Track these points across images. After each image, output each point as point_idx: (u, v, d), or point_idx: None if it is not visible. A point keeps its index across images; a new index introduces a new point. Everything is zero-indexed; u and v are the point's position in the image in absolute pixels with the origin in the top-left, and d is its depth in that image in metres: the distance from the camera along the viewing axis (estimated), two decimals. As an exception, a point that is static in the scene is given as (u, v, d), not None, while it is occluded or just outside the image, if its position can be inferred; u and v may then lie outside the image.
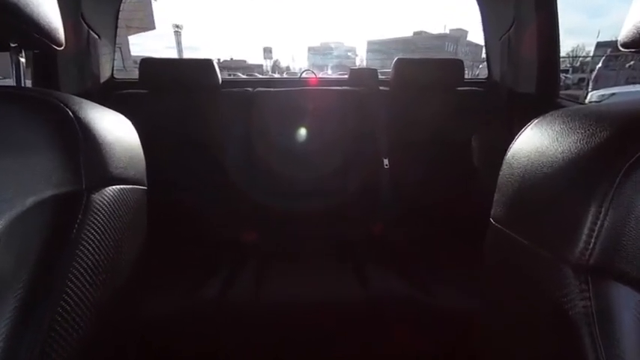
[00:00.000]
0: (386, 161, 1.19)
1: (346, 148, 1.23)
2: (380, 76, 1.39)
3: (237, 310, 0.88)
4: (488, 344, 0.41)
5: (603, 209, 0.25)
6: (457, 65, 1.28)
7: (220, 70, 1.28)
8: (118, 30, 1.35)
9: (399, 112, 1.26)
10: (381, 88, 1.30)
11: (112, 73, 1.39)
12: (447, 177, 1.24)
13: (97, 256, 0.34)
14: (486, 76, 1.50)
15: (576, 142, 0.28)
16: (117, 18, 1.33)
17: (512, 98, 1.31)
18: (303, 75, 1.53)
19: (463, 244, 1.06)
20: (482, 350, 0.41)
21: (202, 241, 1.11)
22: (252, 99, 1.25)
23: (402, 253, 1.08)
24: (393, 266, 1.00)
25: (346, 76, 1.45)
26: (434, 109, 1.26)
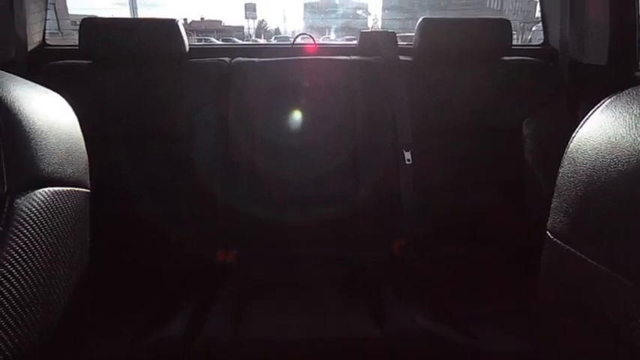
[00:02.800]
0: (408, 155, 1.19)
1: (356, 138, 1.22)
2: (400, 42, 1.39)
3: (209, 356, 0.88)
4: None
5: None
6: (503, 27, 1.28)
7: (188, 33, 1.27)
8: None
9: (425, 90, 1.26)
10: (401, 57, 1.30)
11: (44, 38, 1.39)
12: (489, 177, 1.24)
13: (22, 283, 0.34)
14: (542, 41, 1.51)
15: None
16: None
17: (576, 71, 1.31)
18: (298, 40, 1.52)
19: (511, 268, 1.06)
20: None
21: (163, 264, 1.11)
22: (230, 72, 1.24)
23: (430, 280, 1.08)
24: (418, 298, 1.00)
25: (355, 42, 1.45)
26: (471, 86, 1.26)
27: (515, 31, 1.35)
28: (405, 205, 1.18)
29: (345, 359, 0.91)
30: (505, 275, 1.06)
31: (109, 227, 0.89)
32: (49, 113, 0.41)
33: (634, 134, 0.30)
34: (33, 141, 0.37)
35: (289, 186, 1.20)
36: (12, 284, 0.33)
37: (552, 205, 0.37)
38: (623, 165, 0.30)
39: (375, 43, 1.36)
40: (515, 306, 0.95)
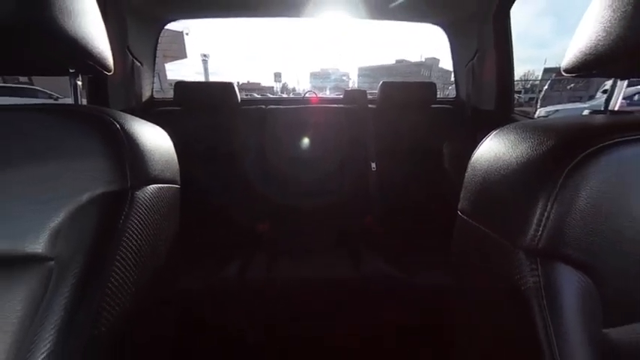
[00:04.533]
0: (374, 165, 1.19)
1: (342, 154, 1.22)
2: (369, 96, 1.39)
3: (253, 287, 0.88)
4: (458, 317, 0.40)
5: (549, 204, 0.25)
6: (431, 87, 1.27)
7: (239, 91, 1.27)
8: (157, 59, 1.35)
9: (384, 126, 1.25)
10: (369, 106, 1.30)
11: (152, 94, 1.39)
12: (423, 179, 1.23)
13: (139, 242, 0.34)
14: (455, 96, 1.50)
15: (527, 150, 0.28)
16: (155, 49, 1.33)
17: (475, 114, 1.30)
18: (307, 95, 1.52)
19: (438, 234, 1.06)
20: (452, 322, 0.41)
21: (226, 232, 1.11)
22: (266, 115, 1.24)
23: (389, 241, 1.08)
24: (381, 252, 1.00)
25: (342, 96, 1.44)
26: (412, 123, 1.26)
27: (439, 89, 1.34)
28: (372, 194, 1.17)
29: (334, 291, 0.91)
30: (435, 238, 1.05)
31: (194, 208, 0.90)
32: (154, 139, 0.41)
33: (510, 153, 0.30)
34: (145, 155, 0.36)
35: (301, 184, 1.20)
36: (133, 244, 0.33)
37: (461, 195, 0.37)
38: (504, 171, 0.30)
39: (353, 97, 1.36)
40: (441, 257, 0.95)
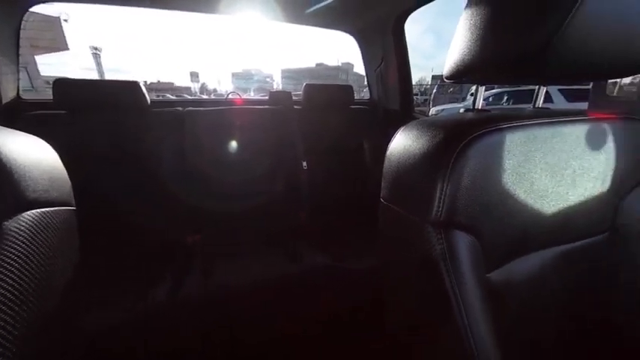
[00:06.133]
0: (304, 164, 1.21)
1: (271, 155, 1.20)
2: (294, 98, 1.41)
3: (189, 305, 0.79)
4: (386, 291, 0.44)
5: (444, 184, 0.30)
6: (349, 90, 1.38)
7: (148, 91, 1.10)
8: (23, 49, 1.03)
9: (310, 126, 1.29)
10: (295, 107, 1.32)
11: (18, 94, 1.06)
12: (349, 173, 1.33)
13: (21, 284, 0.26)
14: (369, 98, 1.67)
15: (426, 142, 0.33)
16: (18, 36, 1.02)
17: (386, 113, 1.48)
18: (230, 96, 1.43)
19: (364, 220, 1.16)
20: (383, 298, 0.44)
21: (147, 250, 0.95)
22: (184, 118, 1.11)
23: (323, 233, 1.12)
24: (316, 245, 1.03)
25: (267, 98, 1.42)
26: (335, 123, 1.34)
27: (355, 92, 1.46)
28: (303, 192, 1.20)
29: (276, 288, 0.90)
30: (362, 225, 1.15)
31: (102, 228, 0.74)
32: (29, 151, 0.31)
33: (414, 145, 0.35)
34: (15, 174, 0.28)
35: (231, 187, 1.13)
36: (9, 286, 0.25)
37: (382, 184, 0.41)
38: (411, 160, 0.35)
39: (278, 98, 1.35)
40: (368, 241, 1.05)
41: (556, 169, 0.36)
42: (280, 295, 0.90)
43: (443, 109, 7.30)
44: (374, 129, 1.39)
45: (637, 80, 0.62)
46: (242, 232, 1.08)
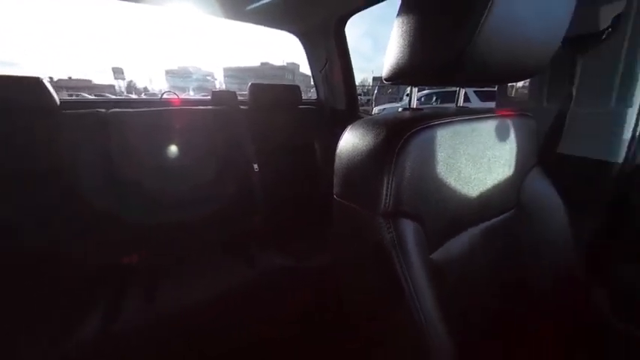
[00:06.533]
0: (256, 166, 1.18)
1: (219, 158, 1.13)
2: (240, 98, 1.35)
3: (131, 334, 0.69)
4: (344, 285, 0.46)
5: (390, 178, 0.33)
6: (296, 90, 1.38)
7: (57, 89, 0.92)
8: None
9: (259, 126, 1.26)
10: (241, 107, 1.26)
11: None
12: (301, 173, 1.34)
13: None
14: (316, 98, 1.70)
15: (371, 140, 0.36)
16: None
17: (333, 113, 1.53)
18: (165, 96, 1.28)
19: (319, 218, 1.18)
20: (341, 293, 0.46)
21: (71, 278, 0.79)
22: (107, 119, 0.96)
23: (278, 235, 1.11)
24: (273, 246, 1.01)
25: (209, 97, 1.32)
26: (284, 123, 1.33)
27: (303, 92, 1.48)
28: (256, 194, 1.16)
29: (235, 297, 0.85)
30: (317, 223, 1.17)
31: (7, 263, 0.59)
32: None
33: (362, 142, 0.37)
34: None
35: (174, 195, 1.03)
36: None
37: (334, 182, 0.42)
38: (359, 157, 0.37)
39: (222, 98, 1.28)
40: (325, 238, 1.07)
41: (476, 158, 0.42)
42: (242, 302, 0.85)
43: (384, 109, 7.90)
44: (323, 128, 1.42)
45: (526, 84, 0.76)
46: (191, 243, 0.99)
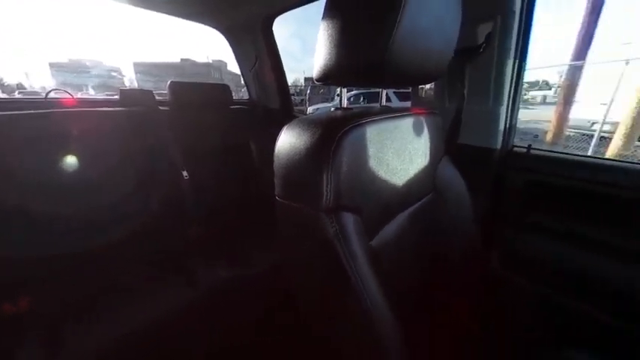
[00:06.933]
0: (185, 172, 1.06)
1: (138, 167, 0.98)
2: (157, 97, 1.19)
3: None
4: (296, 285, 0.46)
5: (329, 174, 0.34)
6: (225, 89, 1.30)
7: None
8: None
9: (185, 128, 1.14)
10: (161, 107, 1.11)
11: None
12: (238, 175, 1.27)
13: None
14: (248, 97, 1.63)
15: (308, 138, 0.37)
16: None
17: (267, 113, 1.50)
18: (53, 95, 1.02)
19: (262, 222, 1.15)
20: (293, 290, 0.46)
21: None
22: None
23: (219, 244, 1.03)
24: (214, 258, 0.94)
25: (117, 97, 1.12)
26: (214, 124, 1.24)
27: (233, 91, 1.40)
28: (189, 203, 1.05)
29: (178, 322, 0.75)
30: (258, 226, 1.13)
31: None
32: None
33: (299, 141, 0.38)
34: None
35: (85, 217, 0.84)
36: None
37: (275, 182, 0.42)
38: (299, 156, 0.37)
39: (135, 97, 1.09)
40: (269, 241, 1.05)
41: (400, 151, 0.48)
42: (190, 324, 0.76)
43: (318, 108, 8.18)
44: (257, 128, 1.38)
45: (432, 86, 0.90)
46: (111, 268, 0.83)
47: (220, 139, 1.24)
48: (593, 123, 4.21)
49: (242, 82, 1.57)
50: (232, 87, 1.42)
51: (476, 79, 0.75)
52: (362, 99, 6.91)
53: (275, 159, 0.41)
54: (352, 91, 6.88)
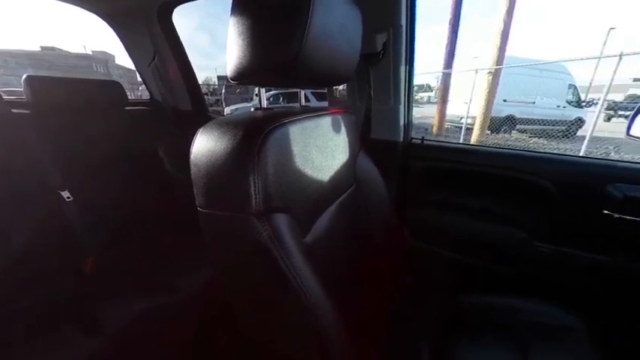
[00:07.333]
0: (66, 193, 0.83)
1: None
2: (7, 97, 0.88)
3: None
4: (233, 298, 0.43)
5: (255, 176, 0.33)
6: (117, 86, 1.08)
7: None
8: None
9: (59, 137, 0.89)
10: (15, 111, 0.83)
11: None
12: (146, 188, 1.08)
13: None
14: (150, 97, 1.40)
15: (230, 141, 0.34)
16: None
17: (177, 115, 1.33)
18: None
19: (182, 235, 1.02)
20: (232, 301, 0.43)
21: None
22: None
23: (125, 273, 0.86)
24: (119, 292, 0.77)
25: None
26: (105, 129, 1.01)
27: (127, 90, 1.18)
28: (77, 230, 0.83)
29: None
30: (179, 240, 1.00)
31: None
32: None
33: (219, 145, 0.35)
34: None
35: None
36: None
37: (195, 192, 0.38)
38: (219, 160, 0.35)
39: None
40: (193, 256, 0.94)
41: (322, 149, 0.50)
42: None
43: (237, 109, 7.75)
44: (166, 133, 1.21)
45: (345, 87, 0.99)
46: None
47: (117, 147, 1.02)
48: (461, 118, 5.46)
49: (139, 78, 1.34)
50: (127, 85, 1.19)
51: (379, 81, 0.85)
52: (282, 99, 6.94)
53: (192, 166, 0.37)
54: (271, 91, 6.83)
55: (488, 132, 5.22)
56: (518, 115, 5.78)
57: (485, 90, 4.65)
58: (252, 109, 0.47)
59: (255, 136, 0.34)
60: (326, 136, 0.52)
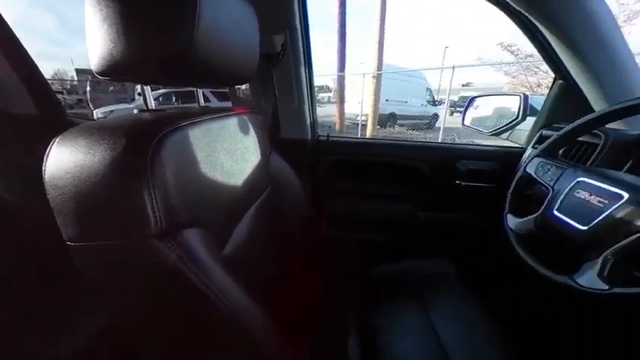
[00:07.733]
0: None
1: None
2: None
3: None
4: (144, 342, 0.36)
5: (151, 191, 0.28)
6: None
7: None
8: None
9: None
10: None
11: None
12: None
13: None
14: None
15: (107, 151, 0.27)
16: None
17: (10, 121, 0.96)
18: None
19: (45, 282, 0.75)
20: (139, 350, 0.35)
21: None
22: None
23: None
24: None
25: None
26: None
27: None
28: None
29: None
30: (38, 284, 0.74)
31: None
32: None
33: (90, 157, 0.27)
34: None
35: None
36: None
37: (59, 222, 0.28)
38: (93, 177, 0.27)
39: None
40: (57, 312, 0.72)
41: (231, 152, 0.47)
42: None
43: (112, 111, 6.26)
44: None
45: (248, 87, 0.95)
46: None
47: None
48: (357, 115, 6.23)
49: None
50: None
51: (282, 82, 0.87)
52: (174, 99, 6.06)
53: (49, 188, 0.28)
54: (160, 89, 5.84)
55: (378, 127, 6.22)
56: (398, 112, 7.18)
57: (372, 92, 5.50)
58: (135, 112, 0.39)
59: (144, 143, 0.29)
60: (234, 138, 0.49)
